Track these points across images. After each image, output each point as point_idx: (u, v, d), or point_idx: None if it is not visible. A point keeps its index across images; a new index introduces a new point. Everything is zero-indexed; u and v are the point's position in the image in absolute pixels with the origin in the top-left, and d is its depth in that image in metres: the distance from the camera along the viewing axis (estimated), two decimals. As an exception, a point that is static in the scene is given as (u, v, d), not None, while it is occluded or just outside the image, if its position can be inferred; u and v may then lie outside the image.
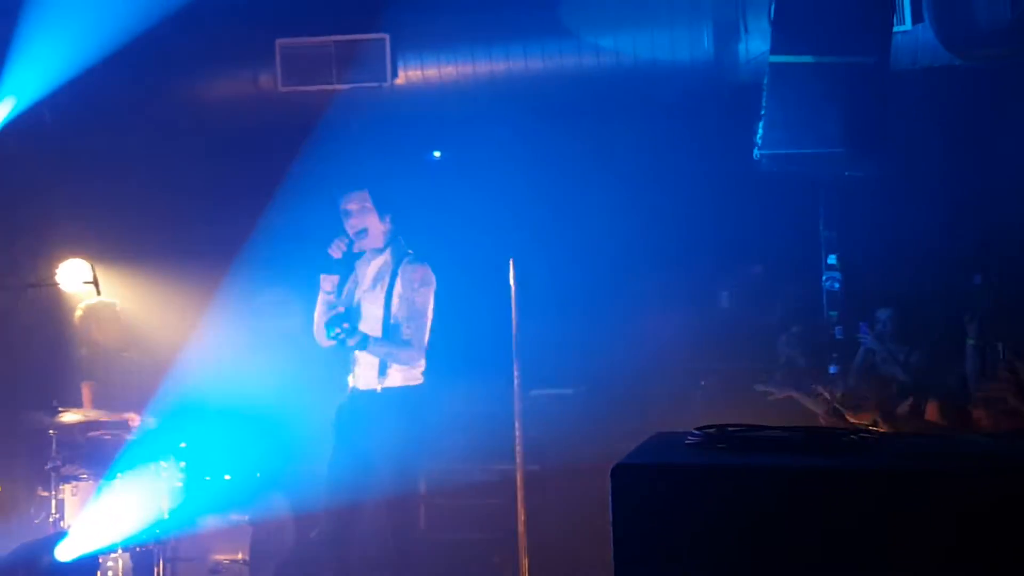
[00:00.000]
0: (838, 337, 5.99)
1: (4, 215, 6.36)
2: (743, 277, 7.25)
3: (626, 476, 1.66)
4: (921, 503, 1.56)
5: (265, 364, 5.88)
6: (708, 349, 6.78)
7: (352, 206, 4.73)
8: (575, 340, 6.42)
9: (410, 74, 6.68)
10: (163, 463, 5.12)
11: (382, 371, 4.58)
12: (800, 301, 6.62)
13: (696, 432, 1.99)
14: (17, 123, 6.02)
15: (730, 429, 2.01)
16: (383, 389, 4.58)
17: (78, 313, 5.90)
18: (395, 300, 4.59)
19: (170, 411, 5.42)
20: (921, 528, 1.55)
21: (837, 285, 6.02)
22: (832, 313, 6.05)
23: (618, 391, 6.10)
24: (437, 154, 7.46)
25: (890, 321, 6.00)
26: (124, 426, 5.28)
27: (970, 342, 5.14)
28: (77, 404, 5.39)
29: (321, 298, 4.71)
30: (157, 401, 5.48)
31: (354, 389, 4.68)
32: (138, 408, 5.43)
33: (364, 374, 4.63)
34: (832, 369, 5.66)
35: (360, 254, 4.77)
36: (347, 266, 4.72)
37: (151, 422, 5.35)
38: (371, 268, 4.75)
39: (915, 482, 1.57)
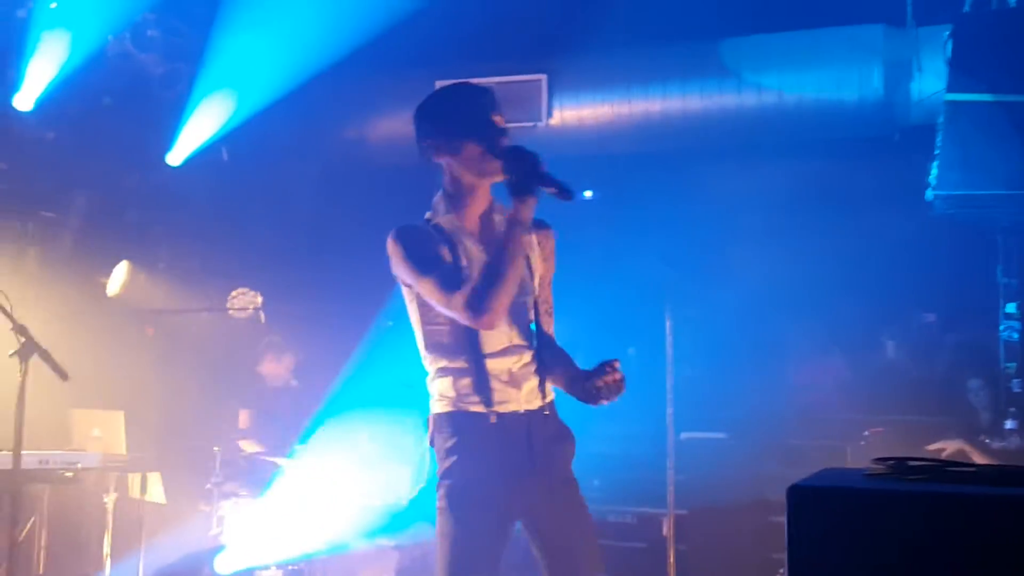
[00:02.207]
0: (1016, 390, 5.62)
1: (182, 243, 6.73)
2: (912, 325, 6.93)
3: (803, 498, 1.58)
4: None
5: (412, 395, 5.96)
6: (871, 400, 6.48)
7: None
8: (730, 384, 6.25)
9: (565, 114, 6.74)
10: (316, 487, 5.24)
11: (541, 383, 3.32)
12: (976, 352, 6.26)
13: (876, 463, 1.88)
14: (199, 158, 6.38)
15: (912, 462, 1.89)
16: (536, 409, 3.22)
17: (263, 346, 6.17)
18: None
19: (323, 439, 5.54)
20: None
21: (1016, 335, 5.67)
22: (1010, 365, 5.69)
23: (773, 438, 5.89)
24: (589, 194, 7.47)
25: (1073, 375, 5.60)
26: (281, 451, 5.45)
27: None
28: (234, 427, 5.59)
29: None
30: (312, 429, 5.63)
31: (503, 416, 3.12)
32: (294, 435, 5.60)
33: (519, 390, 3.08)
34: (1009, 424, 5.31)
35: None
36: None
37: (305, 449, 5.50)
38: None
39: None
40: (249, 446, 5.58)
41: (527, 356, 2.99)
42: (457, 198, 2.99)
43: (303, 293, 6.64)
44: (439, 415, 2.94)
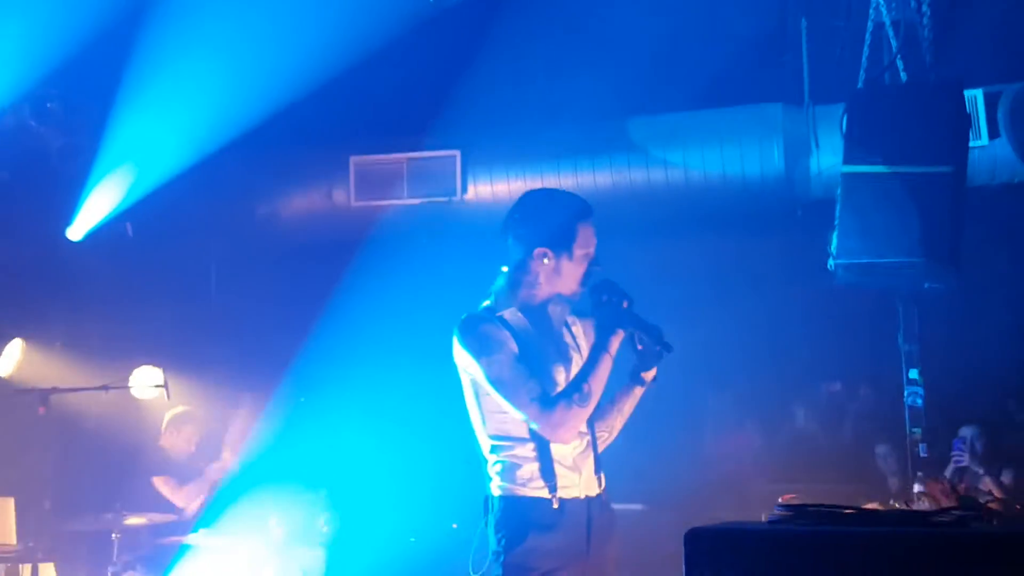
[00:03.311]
0: (923, 455, 5.71)
1: (82, 321, 6.52)
2: (820, 393, 7.04)
3: (700, 539, 1.55)
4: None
5: (321, 471, 5.83)
6: (785, 468, 6.53)
7: None
8: (646, 455, 6.23)
9: (479, 189, 6.79)
10: (222, 571, 5.03)
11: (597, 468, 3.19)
12: (879, 419, 6.38)
13: (777, 508, 1.87)
14: (100, 232, 6.22)
15: (810, 507, 1.88)
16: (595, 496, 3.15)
17: (166, 419, 6.01)
18: None
19: (230, 518, 5.35)
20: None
21: (920, 401, 5.77)
22: (915, 430, 5.79)
23: (689, 510, 5.87)
24: (504, 269, 7.48)
25: (977, 439, 5.72)
26: (186, 528, 5.24)
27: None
28: (142, 507, 5.36)
29: None
30: (218, 507, 5.44)
31: (565, 502, 3.05)
32: (196, 513, 5.40)
33: (580, 476, 3.11)
34: (917, 488, 5.37)
35: None
36: None
37: (210, 528, 5.30)
38: None
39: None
40: (157, 518, 5.33)
41: (586, 440, 3.10)
42: (528, 294, 3.11)
43: (207, 368, 6.48)
44: (502, 498, 3.03)
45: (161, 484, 5.79)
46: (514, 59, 6.45)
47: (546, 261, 3.06)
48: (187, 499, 5.78)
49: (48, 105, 6.10)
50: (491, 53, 6.24)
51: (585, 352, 3.13)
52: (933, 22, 5.51)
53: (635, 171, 6.59)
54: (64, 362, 6.40)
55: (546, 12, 6.36)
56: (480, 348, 2.99)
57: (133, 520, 5.11)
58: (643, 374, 3.17)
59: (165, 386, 5.43)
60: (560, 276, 3.08)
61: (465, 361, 3.05)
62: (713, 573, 1.52)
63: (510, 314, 3.08)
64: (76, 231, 6.36)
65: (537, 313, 3.12)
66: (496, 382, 2.98)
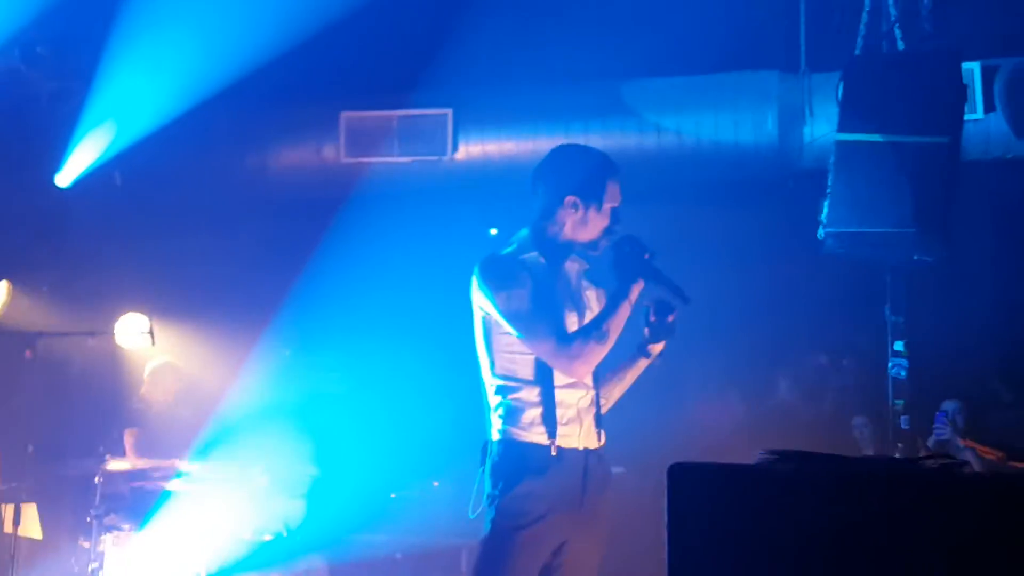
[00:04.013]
0: (904, 427, 5.74)
1: (69, 267, 6.48)
2: (806, 365, 7.06)
3: (684, 475, 1.56)
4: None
5: (306, 424, 5.84)
6: (765, 440, 6.55)
7: None
8: (629, 419, 6.25)
9: (471, 148, 6.74)
10: (202, 518, 5.04)
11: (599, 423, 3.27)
12: (860, 391, 6.41)
13: (761, 453, 1.87)
14: (89, 179, 6.16)
15: (796, 452, 1.89)
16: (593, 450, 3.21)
17: (147, 369, 5.99)
18: None
19: (211, 466, 5.35)
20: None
21: (904, 373, 5.78)
22: (898, 402, 5.81)
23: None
24: (494, 231, 7.47)
25: (959, 413, 5.76)
26: (167, 474, 5.24)
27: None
28: (121, 452, 5.36)
29: None
30: (197, 451, 5.44)
31: (563, 451, 3.10)
32: (179, 456, 5.40)
33: (580, 427, 3.16)
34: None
35: None
36: None
37: (192, 475, 5.30)
38: None
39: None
40: (136, 462, 5.34)
41: (591, 395, 3.17)
42: (551, 244, 3.17)
43: (194, 317, 6.46)
44: (501, 442, 3.09)
45: (128, 437, 5.76)
46: (509, 17, 6.39)
47: (575, 209, 3.15)
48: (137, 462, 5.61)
49: (38, 49, 6.01)
50: (486, 10, 6.18)
51: (596, 313, 3.19)
52: (933, -8, 5.49)
53: (628, 135, 6.55)
54: (51, 307, 6.38)
55: (544, -30, 6.32)
56: (499, 283, 3.05)
57: (115, 465, 5.12)
58: (651, 346, 3.21)
59: (151, 333, 5.42)
60: (586, 225, 3.16)
61: (481, 299, 3.09)
62: (695, 507, 1.53)
63: (531, 258, 3.15)
64: (64, 177, 6.31)
65: (556, 261, 3.19)
66: (513, 315, 3.03)
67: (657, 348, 3.24)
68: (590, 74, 6.61)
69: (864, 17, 5.40)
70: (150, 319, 5.65)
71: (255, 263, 6.76)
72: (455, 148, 6.71)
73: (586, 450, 3.13)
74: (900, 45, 5.34)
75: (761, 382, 7.03)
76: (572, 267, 3.23)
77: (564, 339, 3.02)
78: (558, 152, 3.32)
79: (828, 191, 5.37)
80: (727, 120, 6.45)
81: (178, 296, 6.52)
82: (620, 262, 3.11)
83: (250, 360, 6.26)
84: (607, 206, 3.17)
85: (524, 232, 3.23)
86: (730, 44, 6.38)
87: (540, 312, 3.03)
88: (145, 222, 6.68)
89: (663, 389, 6.52)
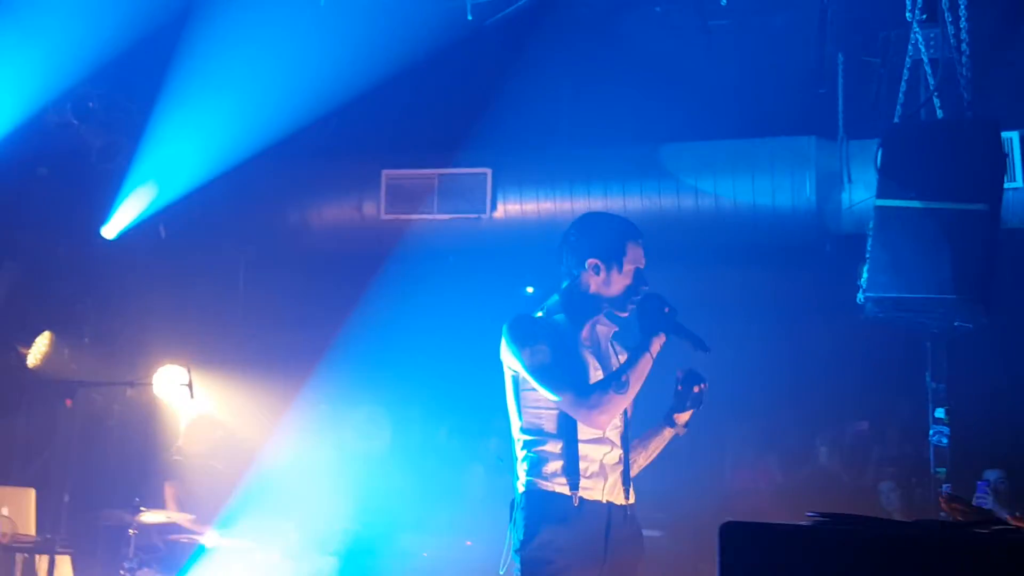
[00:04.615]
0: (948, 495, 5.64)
1: (110, 317, 6.57)
2: (846, 432, 6.97)
3: (735, 532, 1.54)
4: None
5: (340, 481, 5.83)
6: (806, 505, 6.45)
7: None
8: (667, 483, 6.19)
9: (509, 207, 6.80)
10: (235, 573, 5.02)
11: (626, 481, 3.28)
12: (903, 456, 6.31)
13: (810, 515, 1.85)
14: (134, 232, 6.27)
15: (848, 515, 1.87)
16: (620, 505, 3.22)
17: (184, 423, 6.02)
18: None
19: (246, 522, 5.34)
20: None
21: (945, 440, 5.71)
22: (940, 470, 5.72)
23: (707, 539, 5.82)
24: (530, 289, 7.49)
25: (1001, 482, 5.65)
26: (202, 528, 5.23)
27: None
28: (159, 505, 5.37)
29: None
30: (235, 510, 5.43)
31: (585, 502, 3.14)
32: (213, 514, 5.39)
33: (605, 481, 3.19)
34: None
35: None
36: None
37: (226, 531, 5.29)
38: None
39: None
40: (173, 515, 5.34)
41: (617, 453, 3.22)
42: (577, 304, 3.27)
43: (232, 369, 6.50)
44: (525, 493, 3.16)
45: (168, 489, 5.79)
46: (549, 79, 6.49)
47: (596, 272, 3.25)
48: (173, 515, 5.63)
49: (90, 104, 6.17)
50: (526, 72, 6.28)
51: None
52: (972, 62, 5.51)
53: (665, 198, 6.58)
54: (91, 357, 6.46)
55: (582, 34, 6.41)
56: (524, 340, 3.15)
57: (150, 517, 5.12)
58: (676, 416, 3.28)
59: (189, 385, 5.46)
60: (609, 286, 3.25)
61: (509, 357, 3.19)
62: (747, 567, 1.51)
63: (558, 319, 3.26)
64: (110, 230, 6.43)
65: (582, 319, 3.28)
66: (536, 369, 3.11)
67: (683, 418, 3.30)
68: (628, 137, 6.67)
69: (903, 85, 5.42)
70: (189, 371, 5.69)
71: (296, 317, 6.82)
72: (494, 207, 6.77)
73: (610, 504, 3.16)
74: (939, 113, 5.35)
75: (800, 448, 6.95)
76: (601, 330, 3.32)
77: (585, 390, 3.10)
78: (581, 220, 3.45)
79: (867, 256, 5.36)
80: (765, 184, 6.46)
81: (217, 348, 6.58)
82: (643, 317, 3.20)
83: (287, 414, 6.27)
84: (628, 267, 3.26)
85: (554, 298, 3.34)
86: (768, 109, 6.44)
87: (562, 364, 3.13)
88: (187, 275, 6.77)
89: (701, 454, 6.48)
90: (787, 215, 6.45)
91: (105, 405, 6.14)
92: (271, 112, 6.11)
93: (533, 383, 3.13)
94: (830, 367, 6.58)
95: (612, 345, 3.35)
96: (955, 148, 5.30)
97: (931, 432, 5.74)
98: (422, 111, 6.79)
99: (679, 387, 3.25)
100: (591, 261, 3.24)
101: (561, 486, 3.12)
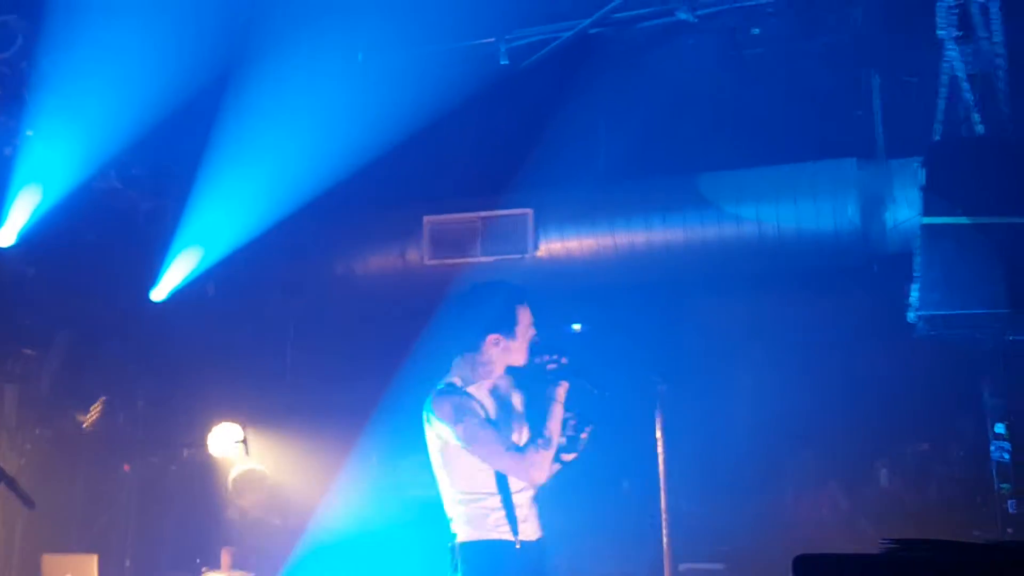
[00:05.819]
0: (1011, 512, 5.51)
1: (163, 379, 6.63)
2: (907, 453, 6.84)
3: (809, 565, 1.51)
4: None
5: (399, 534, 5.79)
6: (870, 531, 6.34)
7: None
8: (728, 515, 6.11)
9: (551, 246, 6.81)
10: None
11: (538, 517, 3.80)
12: (967, 475, 6.18)
13: (883, 541, 1.82)
14: (183, 293, 6.35)
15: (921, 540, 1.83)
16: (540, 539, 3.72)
17: (231, 477, 6.04)
18: None
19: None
20: None
21: (1007, 456, 5.58)
22: (1004, 486, 5.58)
23: (771, 571, 5.72)
24: (577, 327, 7.47)
25: (1069, 498, 5.50)
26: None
27: None
28: (217, 564, 5.39)
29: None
30: (290, 567, 5.43)
31: (524, 543, 3.64)
32: (275, 571, 5.40)
33: (532, 522, 3.72)
34: (1010, 547, 5.16)
35: None
36: None
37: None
38: None
39: None
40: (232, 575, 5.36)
41: (532, 492, 3.68)
42: (485, 371, 3.68)
43: (286, 425, 6.53)
44: (468, 544, 3.56)
45: (225, 556, 5.80)
46: (585, 116, 6.51)
47: (497, 345, 3.66)
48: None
49: (133, 171, 6.28)
50: (563, 111, 6.31)
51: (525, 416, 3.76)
52: (1009, 75, 5.47)
53: (708, 227, 6.55)
54: (146, 420, 6.52)
55: (616, 71, 6.44)
56: (453, 416, 3.53)
57: (212, 577, 5.14)
58: (563, 455, 3.67)
59: (244, 442, 5.49)
60: (510, 353, 3.69)
61: (440, 429, 3.55)
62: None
63: (474, 389, 3.66)
64: (159, 292, 6.52)
65: (494, 387, 3.73)
66: (470, 441, 3.50)
67: (570, 458, 3.70)
68: (667, 169, 6.67)
69: (941, 103, 5.38)
70: (244, 428, 5.73)
71: (345, 368, 6.85)
72: (536, 246, 6.79)
73: (539, 540, 3.65)
74: (979, 129, 5.31)
75: (860, 472, 6.83)
76: (501, 384, 3.75)
77: (517, 456, 3.53)
78: (471, 293, 3.81)
79: (916, 275, 5.31)
80: (807, 208, 6.41)
81: (269, 405, 6.61)
82: (543, 372, 3.66)
83: (342, 468, 6.28)
84: (521, 332, 3.67)
85: (458, 359, 3.72)
86: (805, 133, 6.41)
87: (492, 436, 3.53)
88: (237, 332, 6.84)
89: (761, 484, 6.41)
90: (831, 238, 6.39)
91: (162, 467, 6.20)
92: (313, 166, 6.19)
93: (468, 452, 3.51)
94: (885, 388, 6.48)
95: (513, 393, 3.79)
96: (1000, 163, 5.26)
97: (992, 448, 5.61)
98: (461, 156, 6.84)
99: (570, 431, 3.66)
100: (491, 337, 3.64)
101: (505, 533, 3.56)
